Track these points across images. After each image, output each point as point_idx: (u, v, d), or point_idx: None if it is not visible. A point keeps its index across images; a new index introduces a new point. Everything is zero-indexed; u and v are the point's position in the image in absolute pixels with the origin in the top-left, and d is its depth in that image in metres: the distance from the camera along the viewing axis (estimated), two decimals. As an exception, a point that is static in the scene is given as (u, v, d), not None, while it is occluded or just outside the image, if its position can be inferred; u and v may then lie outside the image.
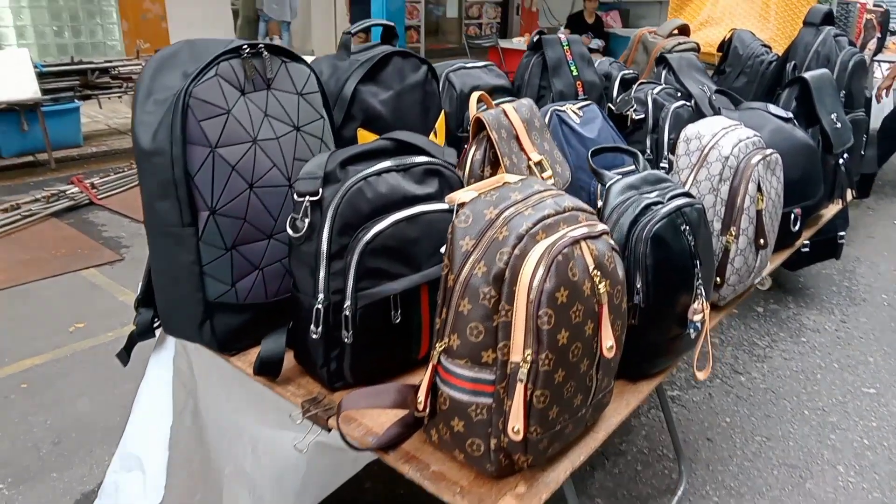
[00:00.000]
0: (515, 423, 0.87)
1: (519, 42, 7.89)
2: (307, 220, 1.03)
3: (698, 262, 1.17)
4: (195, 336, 1.19)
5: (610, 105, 1.95)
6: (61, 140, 5.29)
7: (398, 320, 1.08)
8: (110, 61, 5.88)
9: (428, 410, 0.95)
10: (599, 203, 1.18)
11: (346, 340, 1.05)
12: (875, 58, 4.64)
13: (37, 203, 4.24)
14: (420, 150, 1.15)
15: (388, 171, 1.08)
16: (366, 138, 1.39)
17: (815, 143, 1.87)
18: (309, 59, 1.41)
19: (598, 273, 0.91)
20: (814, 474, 2.14)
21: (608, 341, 0.93)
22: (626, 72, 2.13)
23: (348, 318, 1.04)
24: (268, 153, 1.16)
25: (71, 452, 2.12)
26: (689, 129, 1.49)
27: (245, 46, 1.13)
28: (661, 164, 1.74)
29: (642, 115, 1.85)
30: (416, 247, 1.08)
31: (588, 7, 7.59)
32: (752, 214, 1.41)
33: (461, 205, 0.93)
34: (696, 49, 2.54)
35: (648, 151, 1.84)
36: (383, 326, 1.08)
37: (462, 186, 1.14)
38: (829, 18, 2.41)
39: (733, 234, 1.39)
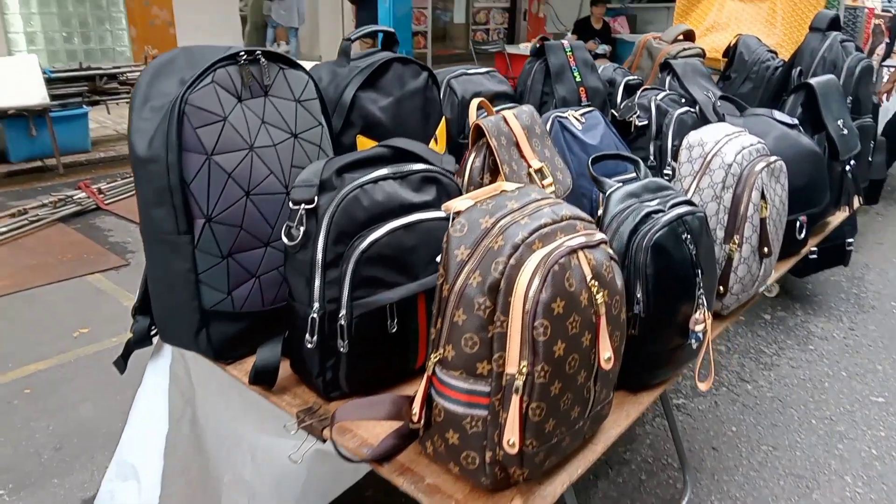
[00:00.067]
0: (511, 436, 0.85)
1: (526, 48, 7.87)
2: (302, 229, 1.02)
3: (700, 271, 1.15)
4: (191, 344, 1.18)
5: (613, 111, 1.93)
6: (69, 145, 5.32)
7: (394, 329, 1.07)
8: (118, 67, 5.92)
9: (423, 422, 0.94)
10: (600, 211, 1.17)
11: (341, 350, 1.04)
12: (883, 63, 4.61)
13: (44, 208, 4.27)
14: (418, 158, 1.14)
15: (384, 178, 1.07)
16: (365, 145, 1.38)
17: (822, 149, 1.85)
18: (315, 65, 1.41)
19: (596, 283, 0.90)
20: (821, 485, 2.11)
21: (606, 353, 0.92)
22: (631, 78, 2.11)
23: (343, 327, 1.03)
24: (265, 160, 1.15)
25: (72, 458, 2.12)
26: (692, 136, 1.47)
27: (242, 53, 1.13)
28: (665, 171, 1.72)
29: (646, 122, 1.84)
30: (412, 255, 1.07)
31: (595, 13, 7.58)
32: (756, 222, 1.39)
33: (457, 213, 0.91)
34: (702, 55, 2.53)
35: (652, 158, 1.82)
36: (379, 336, 1.07)
37: (460, 194, 1.13)
38: (835, 24, 2.39)
39: (736, 242, 1.37)
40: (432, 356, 0.91)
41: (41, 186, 4.93)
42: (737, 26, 3.48)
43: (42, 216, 4.15)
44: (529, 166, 1.37)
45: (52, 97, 5.04)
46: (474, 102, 1.45)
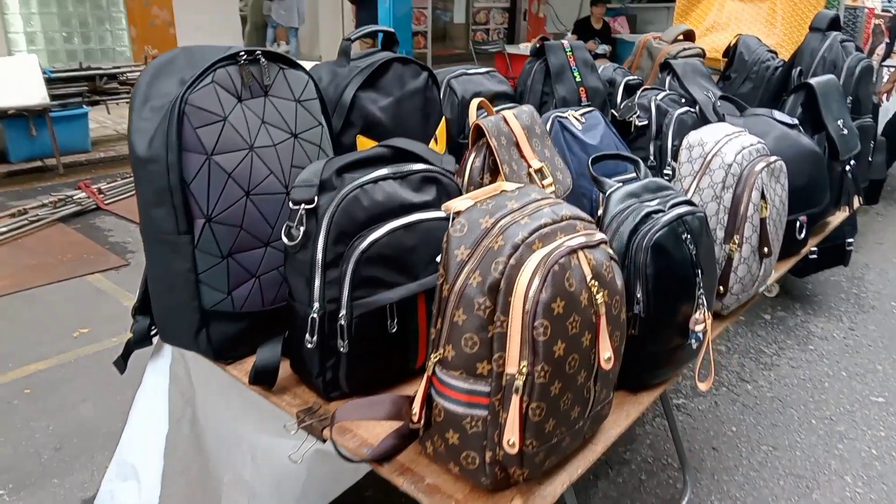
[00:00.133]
0: (511, 436, 0.85)
1: (526, 48, 7.87)
2: (302, 229, 1.02)
3: (700, 270, 1.15)
4: (191, 344, 1.18)
5: (613, 111, 1.93)
6: (69, 145, 5.32)
7: (394, 330, 1.07)
8: (118, 67, 5.92)
9: (423, 422, 0.94)
10: (600, 211, 1.17)
11: (341, 350, 1.04)
12: (883, 63, 4.61)
13: (44, 208, 4.26)
14: (418, 158, 1.14)
15: (384, 178, 1.07)
16: (365, 145, 1.38)
17: (822, 149, 1.85)
18: (315, 65, 1.41)
19: (596, 283, 0.90)
20: (821, 485, 2.11)
21: (606, 353, 0.92)
22: (631, 78, 2.11)
23: (343, 327, 1.03)
24: (265, 160, 1.15)
25: (72, 458, 2.12)
26: (692, 136, 1.47)
27: (242, 53, 1.13)
28: (665, 171, 1.72)
29: (646, 122, 1.84)
30: (412, 255, 1.07)
31: (595, 13, 7.58)
32: (756, 222, 1.39)
33: (457, 213, 0.91)
34: (702, 54, 2.53)
35: (652, 158, 1.82)
36: (379, 336, 1.07)
37: (460, 194, 1.13)
38: (835, 24, 2.39)
39: (736, 242, 1.37)
40: (432, 356, 0.91)
41: (41, 186, 4.93)
42: (737, 26, 3.47)
43: (42, 216, 4.15)
44: (529, 166, 1.37)
45: (52, 97, 5.04)
46: (474, 102, 1.45)
